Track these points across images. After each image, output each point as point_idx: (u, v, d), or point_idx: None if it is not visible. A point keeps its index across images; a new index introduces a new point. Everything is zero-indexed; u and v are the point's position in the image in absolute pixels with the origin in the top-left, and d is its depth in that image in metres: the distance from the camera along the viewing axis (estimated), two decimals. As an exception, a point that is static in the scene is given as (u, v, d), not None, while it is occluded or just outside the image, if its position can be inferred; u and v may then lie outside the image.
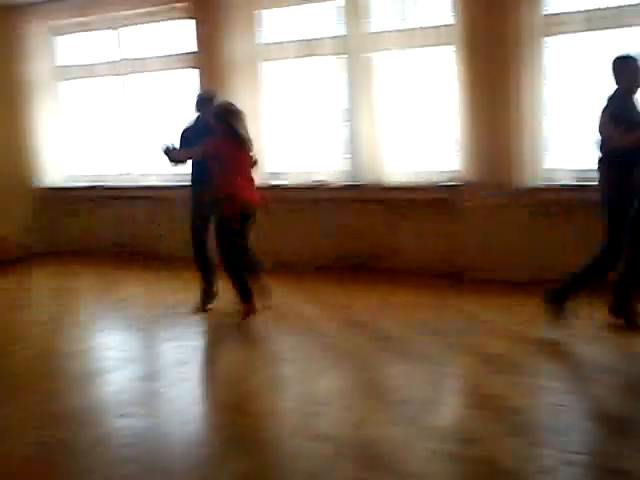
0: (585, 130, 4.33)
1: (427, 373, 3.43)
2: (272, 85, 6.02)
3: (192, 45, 6.27)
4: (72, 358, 4.03)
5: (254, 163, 4.54)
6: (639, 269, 3.85)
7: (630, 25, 4.67)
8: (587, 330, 3.93)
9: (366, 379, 3.42)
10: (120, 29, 6.75)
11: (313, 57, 5.76)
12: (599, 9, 4.73)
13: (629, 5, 4.64)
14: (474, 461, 2.52)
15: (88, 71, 6.99)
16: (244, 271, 4.36)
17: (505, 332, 3.99)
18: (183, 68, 6.47)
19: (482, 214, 5.28)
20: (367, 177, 5.71)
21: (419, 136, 5.48)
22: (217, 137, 4.29)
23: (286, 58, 5.86)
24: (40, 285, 5.31)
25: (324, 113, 5.79)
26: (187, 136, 4.67)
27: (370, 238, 5.80)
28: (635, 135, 3.72)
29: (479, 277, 5.25)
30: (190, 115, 4.85)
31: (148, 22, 6.48)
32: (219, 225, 4.34)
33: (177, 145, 4.58)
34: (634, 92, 3.92)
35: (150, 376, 3.59)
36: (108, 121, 7.00)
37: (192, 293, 5.28)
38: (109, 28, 6.77)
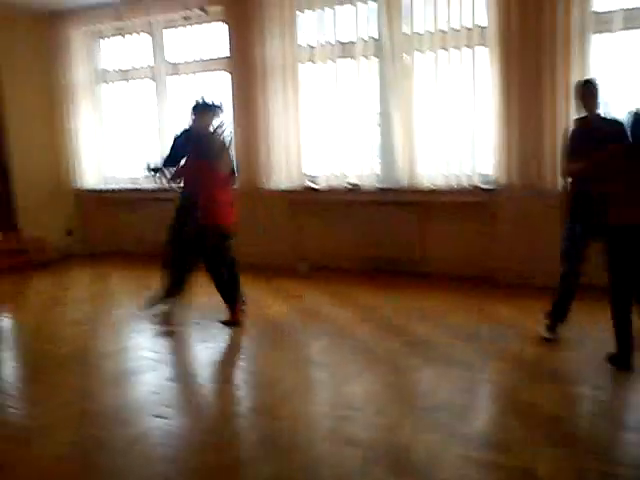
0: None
1: (460, 379, 3.38)
2: (306, 87, 6.03)
3: (225, 49, 6.34)
4: (107, 358, 4.10)
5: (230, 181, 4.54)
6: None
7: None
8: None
9: (398, 384, 3.39)
10: (157, 33, 6.87)
11: (347, 59, 5.76)
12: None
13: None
14: (509, 470, 2.48)
15: (126, 74, 7.12)
16: (229, 275, 4.49)
17: (540, 338, 3.91)
18: (217, 71, 6.54)
19: (517, 217, 5.19)
20: (400, 180, 5.68)
21: (453, 138, 5.42)
22: (189, 159, 4.47)
23: (320, 61, 5.86)
24: (77, 286, 5.41)
25: (358, 116, 5.77)
26: (177, 143, 4.72)
27: (402, 241, 5.76)
28: (574, 166, 3.67)
29: (514, 281, 5.17)
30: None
31: (184, 26, 6.56)
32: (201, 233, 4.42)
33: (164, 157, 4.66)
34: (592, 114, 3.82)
35: (183, 377, 3.63)
36: (146, 123, 7.11)
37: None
38: (146, 32, 6.90)
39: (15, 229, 7.10)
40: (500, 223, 5.28)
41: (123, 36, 6.99)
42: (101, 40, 7.32)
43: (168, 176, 4.70)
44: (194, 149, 4.45)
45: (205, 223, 4.35)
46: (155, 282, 5.17)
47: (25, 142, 7.11)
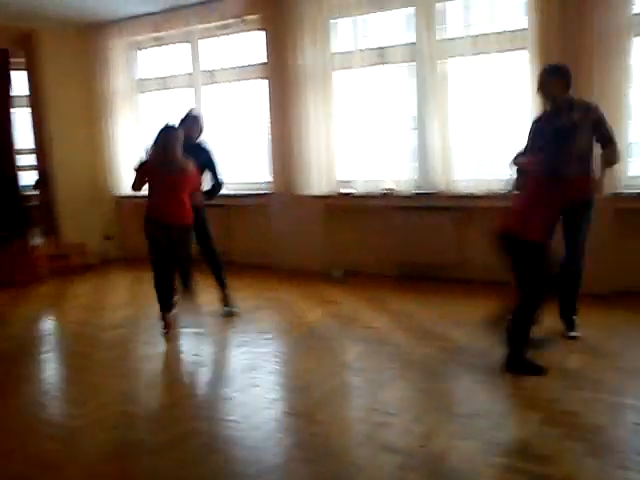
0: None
1: (498, 386, 3.33)
2: (342, 94, 6.04)
3: (262, 56, 6.40)
4: (146, 361, 4.17)
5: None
6: None
7: None
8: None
9: (434, 390, 3.36)
10: (194, 42, 6.98)
11: (384, 65, 5.76)
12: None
13: None
14: (549, 480, 2.43)
15: (164, 83, 7.25)
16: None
17: (582, 346, 3.84)
18: (255, 79, 6.61)
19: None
20: (436, 185, 5.64)
21: (490, 143, 5.36)
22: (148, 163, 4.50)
23: (356, 67, 5.87)
24: (116, 290, 5.52)
25: (393, 121, 5.76)
26: None
27: (439, 247, 5.72)
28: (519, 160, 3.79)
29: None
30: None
31: (221, 35, 6.65)
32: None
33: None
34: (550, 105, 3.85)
35: (222, 380, 3.66)
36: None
37: (262, 300, 5.38)
38: (184, 41, 7.01)
39: (56, 235, 7.29)
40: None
41: (161, 46, 7.12)
42: (140, 50, 7.47)
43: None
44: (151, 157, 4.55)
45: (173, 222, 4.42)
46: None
47: (66, 150, 7.30)
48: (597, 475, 2.46)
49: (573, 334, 3.99)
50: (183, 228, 4.45)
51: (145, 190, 4.56)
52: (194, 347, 4.36)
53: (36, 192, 7.72)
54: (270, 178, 6.59)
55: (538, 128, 3.94)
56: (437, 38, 5.43)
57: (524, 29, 5.06)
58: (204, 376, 3.76)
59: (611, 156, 3.89)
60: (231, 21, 6.41)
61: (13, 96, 7.52)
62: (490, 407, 3.08)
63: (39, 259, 6.77)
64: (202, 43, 6.96)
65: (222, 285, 4.98)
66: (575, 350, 3.81)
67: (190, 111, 5.01)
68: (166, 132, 4.40)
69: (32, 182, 7.75)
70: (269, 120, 6.45)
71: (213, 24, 6.58)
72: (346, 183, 6.14)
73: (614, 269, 4.83)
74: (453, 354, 3.86)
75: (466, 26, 5.31)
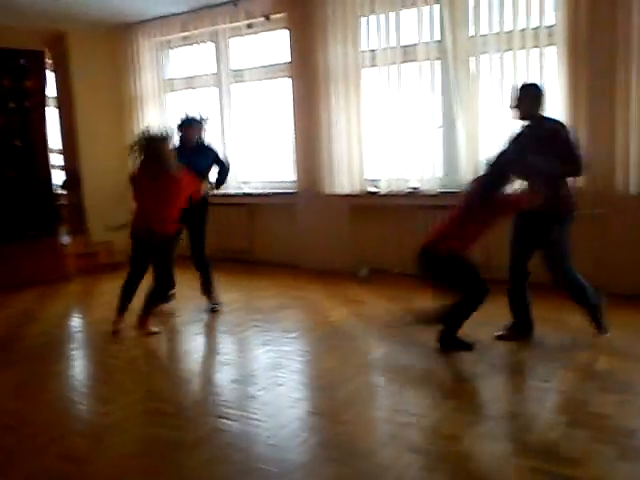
0: None
1: (527, 388, 3.30)
2: (368, 92, 6.02)
3: (287, 55, 6.41)
4: (173, 359, 4.21)
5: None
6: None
7: None
8: None
9: (460, 391, 3.33)
10: (221, 41, 7.02)
11: (410, 63, 5.72)
12: None
13: None
14: (578, 483, 2.39)
15: (192, 82, 7.30)
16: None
17: (614, 348, 3.77)
18: (280, 78, 6.62)
19: (586, 222, 5.01)
20: (463, 183, 5.58)
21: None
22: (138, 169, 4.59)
23: (382, 65, 5.84)
24: (143, 288, 5.55)
25: (420, 119, 5.72)
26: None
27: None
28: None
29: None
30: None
31: (247, 34, 6.67)
32: None
33: None
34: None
35: (246, 379, 3.68)
36: (210, 130, 7.25)
37: (286, 299, 5.40)
38: (211, 41, 7.06)
39: (85, 233, 7.40)
40: (572, 229, 5.11)
41: (190, 45, 7.18)
42: (168, 50, 7.54)
43: None
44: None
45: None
46: (217, 284, 5.28)
47: (94, 150, 7.40)
48: (627, 479, 2.41)
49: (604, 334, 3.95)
50: (163, 236, 4.48)
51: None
52: (219, 346, 4.39)
53: (64, 192, 7.85)
54: (295, 177, 6.61)
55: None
56: (464, 35, 5.38)
57: (553, 25, 4.99)
58: (229, 374, 3.78)
59: (569, 172, 3.94)
60: (257, 20, 6.43)
61: (47, 96, 7.68)
62: (517, 408, 3.05)
63: (67, 257, 6.87)
64: (228, 42, 7.00)
65: (206, 284, 5.09)
66: (604, 352, 3.75)
67: (186, 115, 5.09)
68: (152, 141, 4.45)
69: (60, 182, 7.88)
70: (294, 119, 6.46)
71: (238, 23, 6.61)
72: (372, 182, 6.12)
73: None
74: (479, 355, 3.82)
75: (493, 23, 5.24)
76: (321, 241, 6.40)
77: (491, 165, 3.82)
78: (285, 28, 6.41)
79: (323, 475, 2.56)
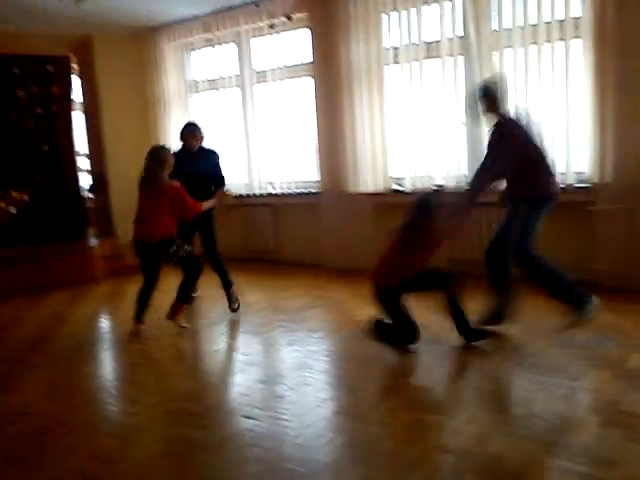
0: None
1: (557, 386, 3.23)
2: (391, 89, 5.98)
3: (309, 54, 6.41)
4: (200, 359, 4.23)
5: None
6: None
7: None
8: None
9: (490, 390, 3.29)
10: (244, 42, 7.05)
11: (433, 59, 5.67)
12: None
13: None
14: (612, 484, 2.34)
15: (215, 84, 7.34)
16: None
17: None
18: (303, 77, 6.62)
19: (616, 218, 4.92)
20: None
21: (545, 136, 5.20)
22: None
23: (405, 62, 5.80)
24: (169, 289, 5.60)
25: (444, 116, 5.67)
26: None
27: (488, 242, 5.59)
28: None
29: (614, 285, 4.89)
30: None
31: (269, 34, 6.68)
32: None
33: None
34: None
35: (272, 379, 3.68)
36: (234, 131, 7.31)
37: (311, 299, 5.39)
38: (234, 42, 7.09)
39: (112, 235, 7.49)
40: (598, 224, 5.02)
41: (213, 47, 7.22)
42: (191, 52, 7.59)
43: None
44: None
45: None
46: (242, 285, 5.31)
47: (120, 152, 7.48)
48: (664, 480, 2.35)
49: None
50: (155, 245, 4.55)
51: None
52: (245, 346, 4.40)
53: (91, 195, 7.96)
54: (318, 176, 6.60)
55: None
56: (487, 30, 5.32)
57: (579, 17, 4.89)
58: (255, 374, 3.78)
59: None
60: (279, 20, 6.43)
61: (73, 101, 7.81)
62: (547, 408, 2.99)
63: (95, 260, 6.96)
64: (251, 43, 7.03)
65: (227, 285, 5.11)
66: (636, 350, 3.66)
67: (187, 123, 5.26)
68: (150, 152, 4.62)
69: (87, 185, 7.99)
70: (317, 118, 6.45)
71: (262, 23, 6.62)
72: (396, 180, 6.08)
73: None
74: (508, 353, 3.77)
75: (517, 16, 5.16)
76: (345, 240, 6.38)
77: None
78: (307, 27, 6.40)
79: (350, 475, 2.54)
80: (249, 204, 7.27)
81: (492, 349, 3.85)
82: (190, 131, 5.09)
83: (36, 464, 2.81)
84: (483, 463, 2.54)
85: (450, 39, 5.53)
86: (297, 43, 6.59)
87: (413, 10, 5.68)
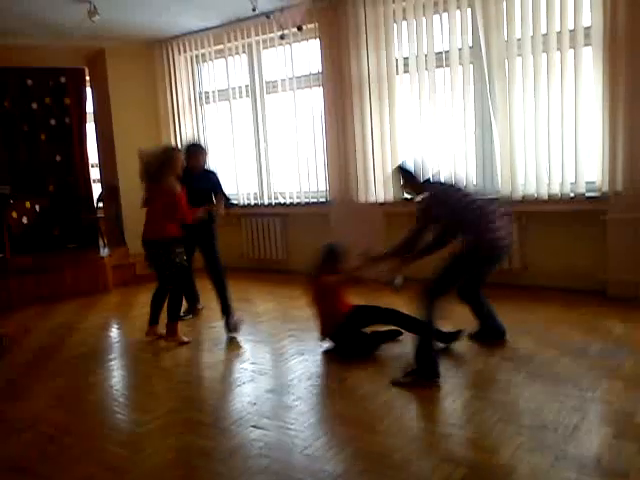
0: None
1: (568, 397, 3.19)
2: (401, 98, 5.99)
3: (319, 65, 6.44)
4: (208, 369, 4.23)
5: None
6: None
7: None
8: None
9: (501, 401, 3.25)
10: (254, 53, 7.10)
11: (443, 68, 5.67)
12: None
13: None
14: (625, 497, 2.30)
15: (225, 94, 7.39)
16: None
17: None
18: (313, 87, 6.64)
19: (627, 227, 4.88)
20: (499, 189, 5.51)
21: (555, 145, 5.19)
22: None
23: (415, 71, 5.81)
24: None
25: (455, 125, 5.66)
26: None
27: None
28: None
29: (624, 294, 4.86)
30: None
31: (280, 45, 6.72)
32: None
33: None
34: None
35: (282, 389, 3.66)
36: (244, 141, 7.35)
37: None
38: (244, 53, 7.14)
39: (122, 245, 7.54)
40: (610, 233, 4.99)
41: (224, 58, 7.26)
42: (202, 63, 7.65)
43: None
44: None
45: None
46: (253, 295, 5.30)
47: (131, 163, 7.48)
48: (678, 493, 2.31)
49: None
50: (156, 244, 4.57)
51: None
52: (254, 355, 4.39)
53: (101, 205, 8.02)
54: (327, 186, 6.61)
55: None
56: (497, 39, 5.32)
57: (589, 26, 4.89)
58: (265, 384, 3.77)
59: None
60: (289, 31, 6.47)
61: (87, 112, 7.91)
62: (560, 419, 2.95)
63: (106, 269, 7.00)
64: (261, 54, 7.08)
65: (225, 311, 4.88)
66: (650, 360, 3.62)
67: (193, 144, 5.18)
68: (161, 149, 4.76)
69: (98, 195, 8.06)
70: (325, 128, 6.47)
71: (272, 34, 6.67)
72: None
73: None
74: (519, 363, 3.73)
75: (527, 26, 5.16)
76: (356, 250, 6.35)
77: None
78: (317, 38, 6.43)
79: (359, 486, 2.52)
80: (259, 214, 7.29)
81: (500, 359, 3.82)
82: (197, 152, 5.01)
83: (45, 473, 2.81)
84: (494, 475, 2.52)
85: (460, 49, 5.54)
86: (307, 54, 6.63)
87: (423, 20, 5.69)
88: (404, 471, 2.59)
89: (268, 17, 6.45)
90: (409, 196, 4.19)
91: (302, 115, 6.76)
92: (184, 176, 4.71)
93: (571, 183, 5.16)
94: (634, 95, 4.71)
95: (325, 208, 6.64)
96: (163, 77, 7.73)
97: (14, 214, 7.20)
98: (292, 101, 6.78)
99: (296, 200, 6.92)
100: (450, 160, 5.73)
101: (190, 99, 7.70)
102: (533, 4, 5.08)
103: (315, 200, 6.77)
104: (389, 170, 6.07)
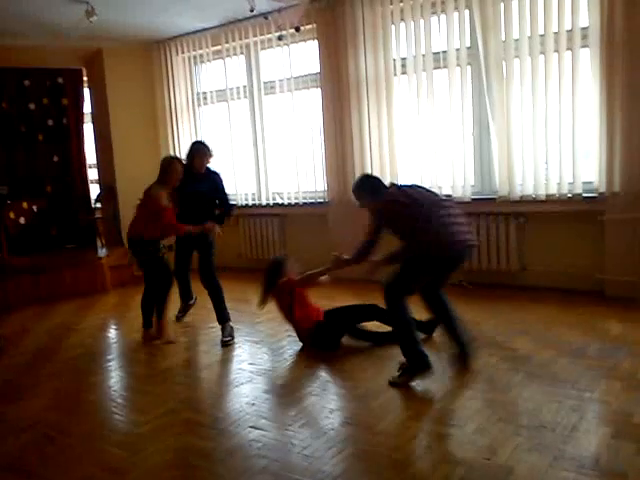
0: None
1: (567, 397, 3.20)
2: (399, 99, 6.00)
3: (317, 66, 6.44)
4: (207, 369, 4.22)
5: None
6: None
7: None
8: None
9: (499, 401, 3.26)
10: (252, 54, 7.10)
11: (440, 70, 5.68)
12: None
13: None
14: (624, 497, 2.30)
15: (223, 95, 7.38)
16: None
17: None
18: (311, 88, 6.64)
19: (625, 227, 4.89)
20: (497, 190, 5.52)
21: (552, 145, 5.21)
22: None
23: (413, 72, 5.81)
24: (177, 300, 5.62)
25: (452, 126, 5.67)
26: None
27: (500, 253, 5.58)
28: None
29: (622, 294, 4.87)
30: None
31: (278, 46, 6.72)
32: None
33: None
34: None
35: (279, 389, 3.66)
36: (242, 142, 7.34)
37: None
38: (242, 54, 7.14)
39: (121, 246, 7.52)
40: (607, 233, 5.00)
41: (221, 59, 7.26)
42: (200, 64, 7.65)
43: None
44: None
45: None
46: (251, 295, 5.29)
47: (129, 163, 7.53)
48: (676, 493, 2.32)
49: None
50: (136, 242, 4.66)
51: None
52: (253, 356, 4.39)
53: (98, 205, 8.02)
54: (325, 186, 6.61)
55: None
56: (495, 40, 5.32)
57: (587, 27, 4.90)
58: (263, 385, 3.77)
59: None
60: (287, 32, 6.46)
61: (84, 113, 7.90)
62: (558, 419, 2.96)
63: (104, 270, 6.99)
64: (259, 54, 7.08)
65: (221, 319, 4.80)
66: (648, 360, 3.63)
67: (198, 142, 5.06)
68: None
69: (95, 196, 8.06)
70: (325, 129, 6.47)
71: (270, 35, 6.67)
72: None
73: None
74: (518, 363, 3.74)
75: (525, 27, 5.16)
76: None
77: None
78: (315, 39, 6.43)
79: (358, 486, 2.52)
80: (257, 214, 7.29)
81: (500, 359, 3.82)
82: (201, 151, 4.83)
83: (43, 473, 2.81)
84: (493, 474, 2.52)
85: (458, 49, 5.54)
86: (305, 55, 6.62)
87: (421, 21, 5.70)
88: (403, 471, 2.60)
89: (266, 18, 6.45)
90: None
91: (300, 116, 6.76)
92: (185, 176, 4.68)
93: (569, 183, 5.17)
94: (631, 96, 4.72)
95: (323, 208, 6.64)
96: (161, 78, 7.72)
97: (12, 214, 7.19)
98: (290, 102, 6.78)
99: (294, 200, 6.92)
100: (448, 161, 5.72)
101: (188, 100, 7.70)
102: (530, 5, 5.08)
103: (313, 200, 6.77)
104: (387, 171, 6.08)
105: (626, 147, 4.80)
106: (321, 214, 6.66)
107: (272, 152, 7.20)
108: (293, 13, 6.31)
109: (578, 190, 5.12)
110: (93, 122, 8.04)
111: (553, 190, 5.23)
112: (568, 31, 4.97)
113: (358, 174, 6.20)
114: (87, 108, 8.02)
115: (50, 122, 7.66)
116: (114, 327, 5.61)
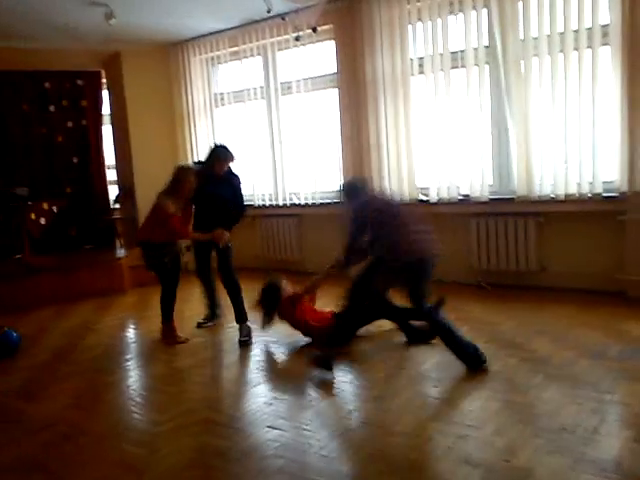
0: None
1: (587, 399, 3.16)
2: (416, 99, 5.97)
3: (334, 66, 6.43)
4: (225, 369, 4.24)
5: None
6: None
7: None
8: None
9: (518, 403, 3.22)
10: (269, 55, 7.11)
11: (458, 69, 5.64)
12: None
13: None
14: (646, 500, 2.27)
15: (240, 96, 7.40)
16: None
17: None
18: (328, 89, 6.64)
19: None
20: (515, 190, 5.47)
21: (572, 144, 5.14)
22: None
23: (431, 72, 5.78)
24: (194, 300, 5.64)
25: (470, 125, 5.63)
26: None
27: (518, 253, 5.53)
28: None
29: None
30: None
31: (295, 47, 6.72)
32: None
33: None
34: None
35: (295, 389, 3.66)
36: (259, 143, 7.35)
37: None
38: (259, 55, 7.15)
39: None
40: (629, 233, 4.93)
41: (239, 60, 7.27)
42: (217, 65, 7.68)
43: None
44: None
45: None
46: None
47: (147, 164, 7.58)
48: (700, 497, 2.27)
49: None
50: (145, 245, 4.78)
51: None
52: (269, 356, 4.40)
53: (117, 206, 8.08)
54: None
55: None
56: (513, 39, 5.27)
57: (607, 25, 4.83)
58: (281, 384, 3.77)
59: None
60: (304, 32, 6.46)
61: (103, 114, 7.98)
62: (578, 421, 2.92)
63: (123, 270, 7.04)
64: (276, 55, 7.08)
65: (239, 319, 4.84)
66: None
67: (221, 146, 4.93)
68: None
69: (114, 196, 8.12)
70: (342, 129, 6.46)
71: (287, 36, 6.67)
72: (422, 190, 6.05)
73: None
74: (537, 365, 3.70)
75: (544, 25, 5.11)
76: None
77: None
78: (332, 39, 6.43)
79: (376, 487, 2.51)
80: (274, 215, 7.30)
81: (519, 360, 3.78)
82: (223, 156, 4.79)
83: (61, 472, 2.84)
84: (511, 477, 2.49)
85: (476, 49, 5.50)
86: (322, 55, 6.62)
87: (438, 20, 5.67)
88: (421, 473, 2.58)
89: (283, 19, 6.45)
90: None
91: (317, 116, 6.75)
92: (205, 177, 4.70)
93: (589, 183, 5.11)
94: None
95: (340, 208, 6.62)
96: (178, 79, 7.77)
97: (32, 215, 7.28)
98: (307, 102, 6.78)
99: (311, 201, 6.92)
100: (466, 160, 5.68)
101: (205, 101, 7.73)
102: (550, 3, 5.03)
103: (330, 201, 6.76)
104: (404, 171, 6.05)
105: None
106: (338, 214, 6.64)
107: (289, 152, 7.21)
108: (310, 14, 6.31)
109: (598, 189, 5.05)
110: (112, 123, 8.11)
111: (572, 190, 5.17)
112: (588, 29, 4.91)
113: (375, 175, 6.20)
114: (106, 110, 8.10)
115: (69, 124, 7.74)
116: (132, 327, 5.65)
